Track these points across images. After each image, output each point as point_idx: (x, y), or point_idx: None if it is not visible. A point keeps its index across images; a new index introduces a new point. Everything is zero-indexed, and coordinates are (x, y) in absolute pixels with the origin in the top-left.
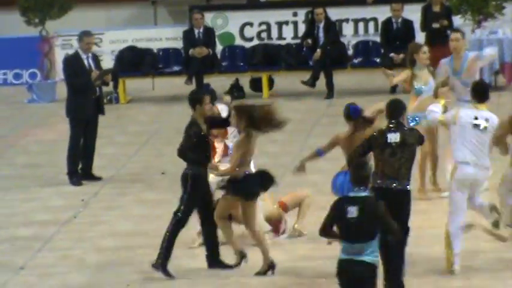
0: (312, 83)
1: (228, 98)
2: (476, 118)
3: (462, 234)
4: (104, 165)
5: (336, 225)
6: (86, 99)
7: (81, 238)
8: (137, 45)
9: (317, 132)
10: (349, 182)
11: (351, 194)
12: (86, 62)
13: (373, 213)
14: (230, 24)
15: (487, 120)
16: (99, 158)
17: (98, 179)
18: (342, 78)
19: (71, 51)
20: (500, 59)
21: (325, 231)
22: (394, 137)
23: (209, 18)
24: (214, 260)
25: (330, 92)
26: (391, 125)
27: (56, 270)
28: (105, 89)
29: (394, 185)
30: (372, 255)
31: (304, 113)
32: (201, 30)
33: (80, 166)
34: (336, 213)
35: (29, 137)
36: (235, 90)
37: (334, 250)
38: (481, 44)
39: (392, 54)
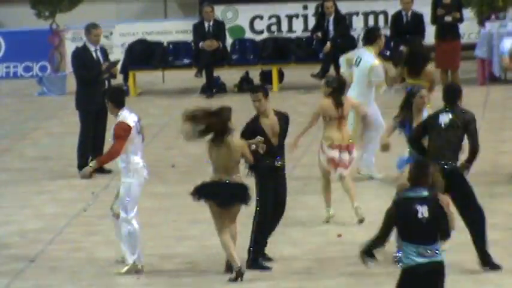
0: (322, 75)
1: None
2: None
3: None
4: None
5: (402, 227)
6: (95, 92)
7: (91, 231)
8: (147, 38)
9: None
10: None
11: (412, 195)
12: (94, 54)
13: (441, 211)
14: (240, 17)
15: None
16: None
17: (108, 171)
18: None
19: (80, 44)
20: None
21: (384, 238)
22: (444, 118)
23: (219, 11)
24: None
25: None
26: (446, 108)
27: (67, 262)
28: (115, 82)
29: (442, 162)
30: (443, 253)
31: (314, 106)
32: (211, 23)
33: (90, 158)
34: (407, 215)
35: (40, 130)
36: (245, 83)
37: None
38: (491, 37)
39: (402, 48)
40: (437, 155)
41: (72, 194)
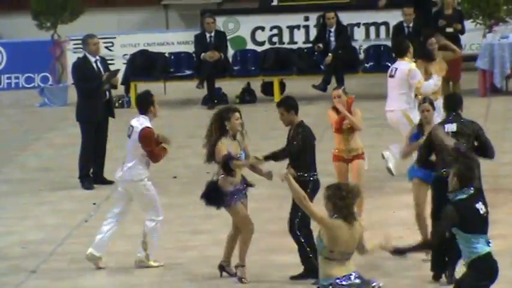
0: (323, 87)
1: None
2: None
3: None
4: (115, 169)
5: (466, 224)
6: (97, 103)
7: (93, 242)
8: (149, 49)
9: (329, 137)
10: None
11: (464, 196)
12: (94, 65)
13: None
14: (242, 29)
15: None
16: (111, 162)
17: (110, 182)
18: (353, 83)
19: (82, 55)
20: (511, 64)
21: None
22: (451, 127)
23: (221, 22)
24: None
25: None
26: (449, 117)
27: (68, 274)
28: (116, 92)
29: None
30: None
31: (315, 117)
32: (213, 34)
33: (91, 170)
34: (470, 213)
35: (41, 141)
36: (247, 94)
37: None
38: (492, 48)
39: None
40: (446, 163)
41: (73, 205)
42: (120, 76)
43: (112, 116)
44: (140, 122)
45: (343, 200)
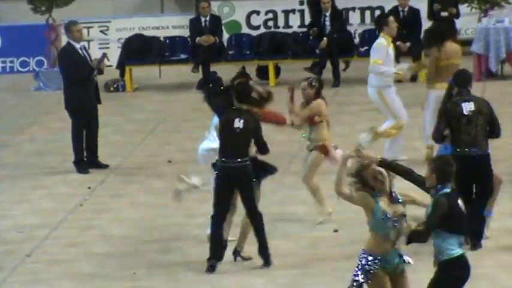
0: (318, 71)
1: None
2: None
3: None
4: (111, 153)
5: (448, 220)
6: (87, 90)
7: (88, 226)
8: (144, 34)
9: None
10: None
11: (448, 191)
12: (81, 52)
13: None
14: (237, 13)
15: None
16: (106, 146)
17: (105, 166)
18: (348, 67)
19: (66, 42)
20: (506, 48)
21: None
22: (469, 106)
23: (216, 6)
24: None
25: (336, 81)
26: (463, 95)
27: (63, 258)
28: (111, 76)
29: (474, 150)
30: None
31: None
32: (208, 18)
33: (85, 154)
34: (454, 210)
35: (36, 125)
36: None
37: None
38: (487, 32)
39: (398, 43)
40: (472, 142)
41: (68, 189)
42: (115, 60)
43: (99, 102)
44: None
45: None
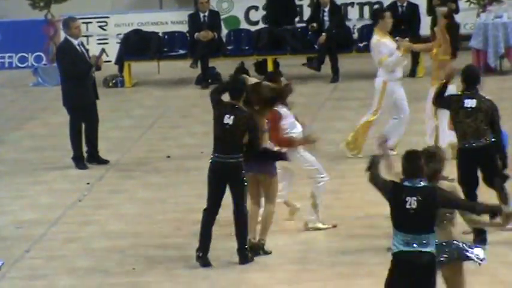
0: (317, 66)
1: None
2: None
3: None
4: (109, 149)
5: (392, 214)
6: (86, 86)
7: (87, 221)
8: (142, 29)
9: (322, 116)
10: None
11: (407, 184)
12: (78, 48)
13: (433, 204)
14: (235, 8)
15: None
16: (105, 141)
17: (106, 162)
18: (347, 62)
19: (64, 39)
20: (505, 43)
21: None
22: (471, 103)
23: (214, 1)
24: None
25: (335, 76)
26: (467, 92)
27: (62, 253)
28: (110, 72)
29: (475, 143)
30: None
31: (309, 97)
32: (207, 13)
33: (86, 150)
34: (395, 203)
35: (35, 121)
36: (241, 74)
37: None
38: (486, 27)
39: (397, 38)
40: (466, 135)
41: (67, 184)
42: (113, 56)
43: (97, 97)
44: None
45: None
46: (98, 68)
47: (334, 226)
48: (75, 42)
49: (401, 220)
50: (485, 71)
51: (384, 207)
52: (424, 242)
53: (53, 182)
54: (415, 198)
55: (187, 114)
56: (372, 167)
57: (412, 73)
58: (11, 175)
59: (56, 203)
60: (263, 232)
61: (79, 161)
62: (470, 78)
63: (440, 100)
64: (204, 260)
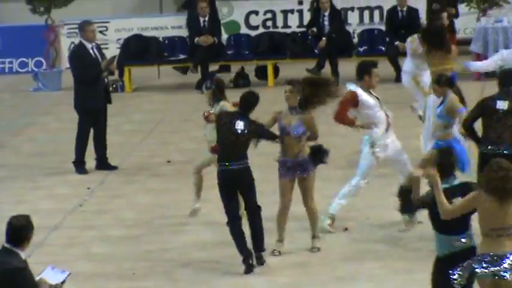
0: (317, 71)
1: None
2: None
3: None
4: (110, 153)
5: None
6: (97, 90)
7: (87, 226)
8: (143, 34)
9: (322, 121)
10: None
11: (452, 184)
12: (92, 52)
13: None
14: (235, 13)
15: None
16: (108, 147)
17: (114, 168)
18: (347, 67)
19: (76, 40)
20: (505, 48)
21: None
22: (502, 104)
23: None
24: None
25: (335, 80)
26: (501, 93)
27: (62, 258)
28: (110, 77)
29: (500, 150)
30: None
31: None
32: (207, 18)
33: (95, 157)
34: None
35: (35, 126)
36: (241, 79)
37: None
38: (486, 32)
39: (397, 43)
40: (497, 140)
41: (67, 189)
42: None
43: (109, 102)
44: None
45: None
46: (111, 73)
47: (346, 229)
48: (89, 45)
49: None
50: (485, 75)
51: (383, 212)
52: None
53: (53, 187)
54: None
55: (188, 119)
56: (405, 196)
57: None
58: (11, 180)
59: (57, 208)
60: (314, 228)
61: (79, 166)
62: (505, 79)
63: (476, 115)
64: (253, 266)
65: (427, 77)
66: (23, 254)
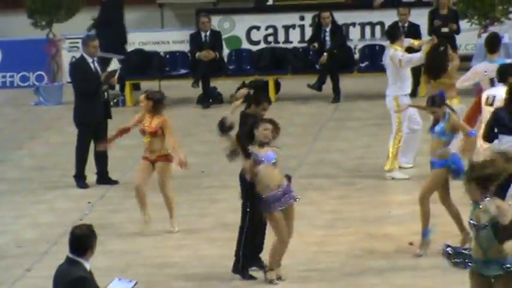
0: (318, 86)
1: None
2: None
3: None
4: (111, 168)
5: None
6: (96, 104)
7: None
8: (144, 48)
9: (323, 136)
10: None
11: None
12: (92, 66)
13: None
14: (237, 28)
15: None
16: (109, 161)
17: (115, 182)
18: (349, 82)
19: (77, 54)
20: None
21: None
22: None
23: (216, 21)
24: None
25: (337, 96)
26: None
27: None
28: (111, 91)
29: None
30: None
31: (310, 117)
32: (208, 33)
33: (96, 171)
34: None
35: (36, 140)
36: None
37: None
38: None
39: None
40: None
41: (68, 203)
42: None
43: (109, 117)
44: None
45: None
46: (111, 87)
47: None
48: (90, 60)
49: None
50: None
51: (383, 227)
52: None
53: (54, 201)
54: None
55: (189, 134)
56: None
57: (414, 93)
58: (12, 194)
59: (57, 222)
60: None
61: (80, 180)
62: None
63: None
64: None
65: None
66: (87, 264)
